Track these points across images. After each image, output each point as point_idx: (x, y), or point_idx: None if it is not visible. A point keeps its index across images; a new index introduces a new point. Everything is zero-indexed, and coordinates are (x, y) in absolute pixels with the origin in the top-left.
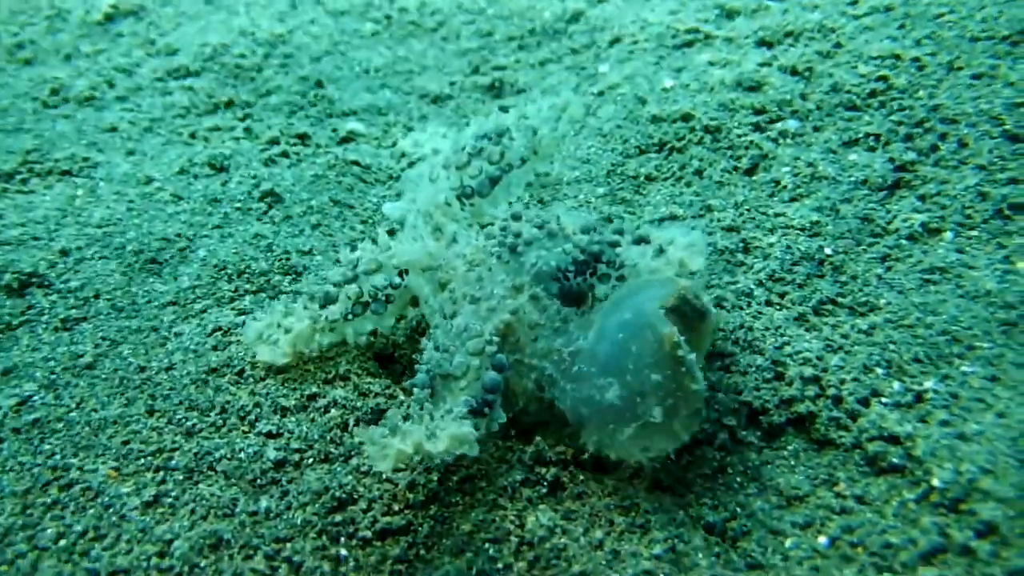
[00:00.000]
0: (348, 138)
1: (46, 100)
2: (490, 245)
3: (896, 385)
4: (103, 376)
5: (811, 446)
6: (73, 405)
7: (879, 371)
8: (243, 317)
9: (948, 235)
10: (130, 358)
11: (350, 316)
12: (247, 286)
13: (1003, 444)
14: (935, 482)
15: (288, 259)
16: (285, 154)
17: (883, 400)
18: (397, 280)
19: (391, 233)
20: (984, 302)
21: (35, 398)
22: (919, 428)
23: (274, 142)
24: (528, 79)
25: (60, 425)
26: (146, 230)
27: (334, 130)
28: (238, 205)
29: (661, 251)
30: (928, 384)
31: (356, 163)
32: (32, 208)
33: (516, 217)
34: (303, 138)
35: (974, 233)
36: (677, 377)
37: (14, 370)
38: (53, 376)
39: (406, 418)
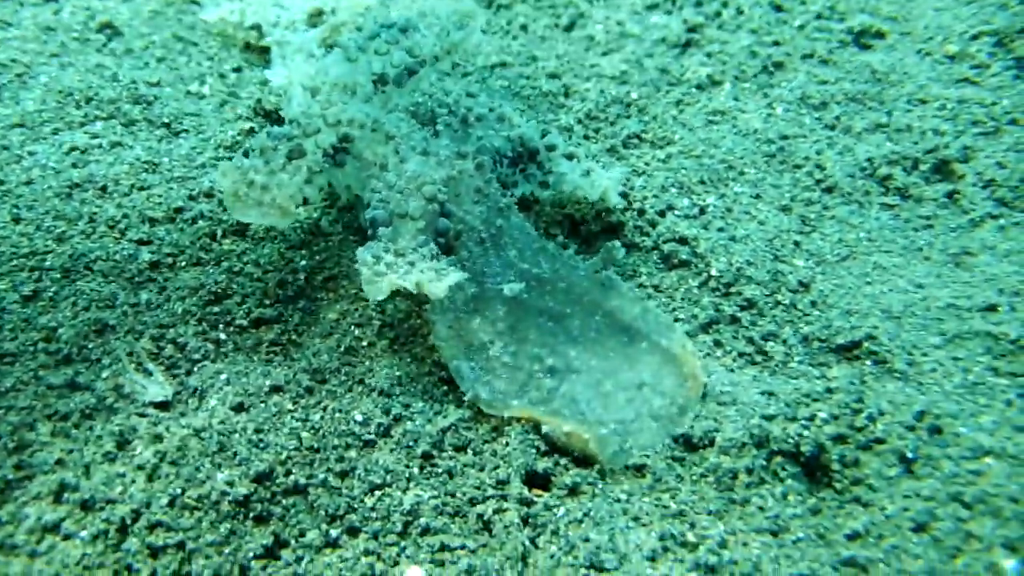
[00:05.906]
0: None
1: None
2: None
3: (685, 201)
4: None
5: None
6: None
7: (673, 191)
8: (98, 140)
9: (727, 86)
10: None
11: (322, 168)
12: (97, 112)
13: (762, 244)
14: (713, 272)
15: (136, 89)
16: None
17: (676, 212)
18: (355, 133)
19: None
20: (753, 138)
21: None
22: (702, 232)
23: None
24: None
25: None
26: None
27: None
28: (75, 35)
29: (588, 173)
30: (709, 200)
31: (195, 2)
32: None
33: (471, 95)
34: None
35: (746, 85)
36: None
37: None
38: None
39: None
